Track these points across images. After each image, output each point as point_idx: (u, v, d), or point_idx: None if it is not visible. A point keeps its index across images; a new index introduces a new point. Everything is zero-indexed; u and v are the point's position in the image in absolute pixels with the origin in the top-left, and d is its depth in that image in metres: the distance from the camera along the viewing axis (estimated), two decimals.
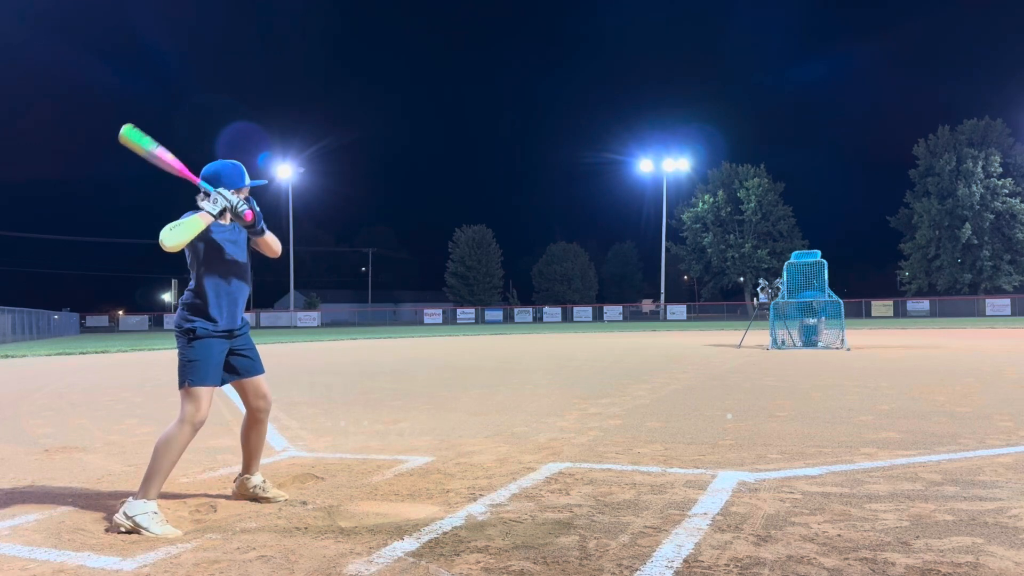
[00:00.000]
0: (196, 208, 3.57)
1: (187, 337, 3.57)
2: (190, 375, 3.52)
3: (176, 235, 3.38)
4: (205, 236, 3.58)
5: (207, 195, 3.53)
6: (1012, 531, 3.06)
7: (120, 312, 76.15)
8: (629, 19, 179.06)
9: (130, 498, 3.41)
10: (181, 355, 3.59)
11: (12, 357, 19.71)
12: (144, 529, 3.25)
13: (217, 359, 3.61)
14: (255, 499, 3.81)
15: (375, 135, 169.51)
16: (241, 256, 3.74)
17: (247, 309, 3.86)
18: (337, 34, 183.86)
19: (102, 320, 71.09)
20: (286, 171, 66.08)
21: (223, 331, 3.63)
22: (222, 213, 3.51)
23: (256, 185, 3.82)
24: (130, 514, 3.30)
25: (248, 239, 3.80)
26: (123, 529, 3.28)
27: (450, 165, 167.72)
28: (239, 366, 3.75)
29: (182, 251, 3.55)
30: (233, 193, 3.59)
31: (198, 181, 3.60)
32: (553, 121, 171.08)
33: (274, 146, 77.80)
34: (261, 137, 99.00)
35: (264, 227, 3.70)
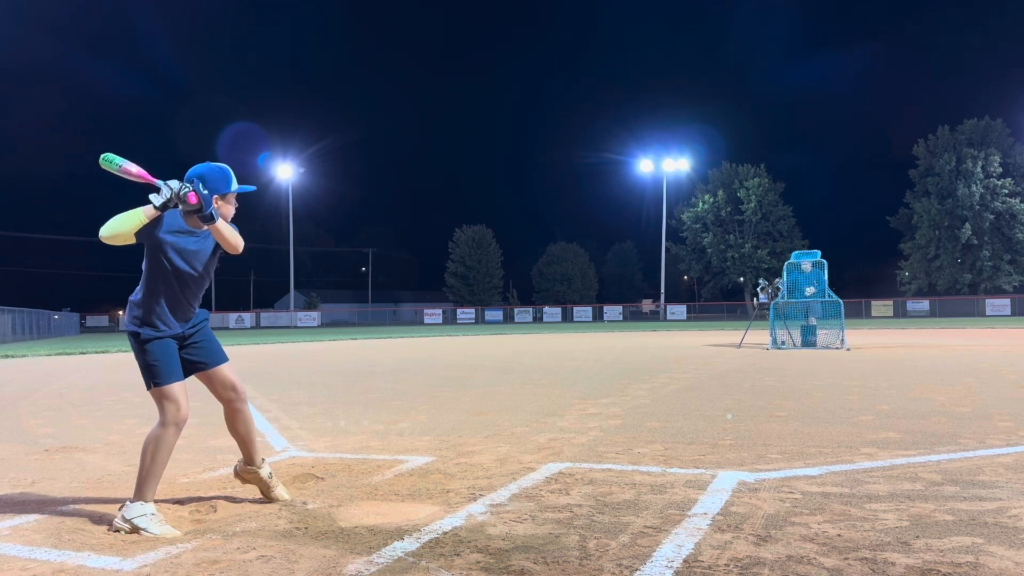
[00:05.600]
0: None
1: (136, 340, 3.52)
2: (154, 377, 3.46)
3: (108, 226, 3.30)
4: (152, 237, 3.43)
5: (158, 190, 3.39)
6: (1012, 531, 3.06)
7: (120, 312, 76.10)
8: (630, 19, 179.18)
9: (127, 501, 3.42)
10: (138, 358, 3.52)
11: (12, 357, 19.70)
12: (143, 530, 3.25)
13: (173, 354, 3.54)
14: (262, 491, 3.82)
15: (375, 135, 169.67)
16: (198, 263, 3.55)
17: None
18: (338, 34, 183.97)
19: (102, 320, 71.17)
20: (286, 171, 66.10)
21: (171, 335, 3.55)
22: (166, 204, 3.34)
23: (244, 191, 3.67)
24: (128, 517, 3.31)
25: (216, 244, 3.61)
26: (123, 532, 3.29)
27: (450, 165, 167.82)
28: (198, 359, 3.65)
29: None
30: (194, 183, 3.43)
31: (156, 181, 3.42)
32: (553, 121, 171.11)
33: (274, 146, 77.81)
34: (261, 137, 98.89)
35: (214, 212, 3.40)
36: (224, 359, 3.74)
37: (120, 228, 3.32)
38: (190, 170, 3.54)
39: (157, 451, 3.42)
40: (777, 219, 68.32)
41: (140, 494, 3.39)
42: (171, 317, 3.54)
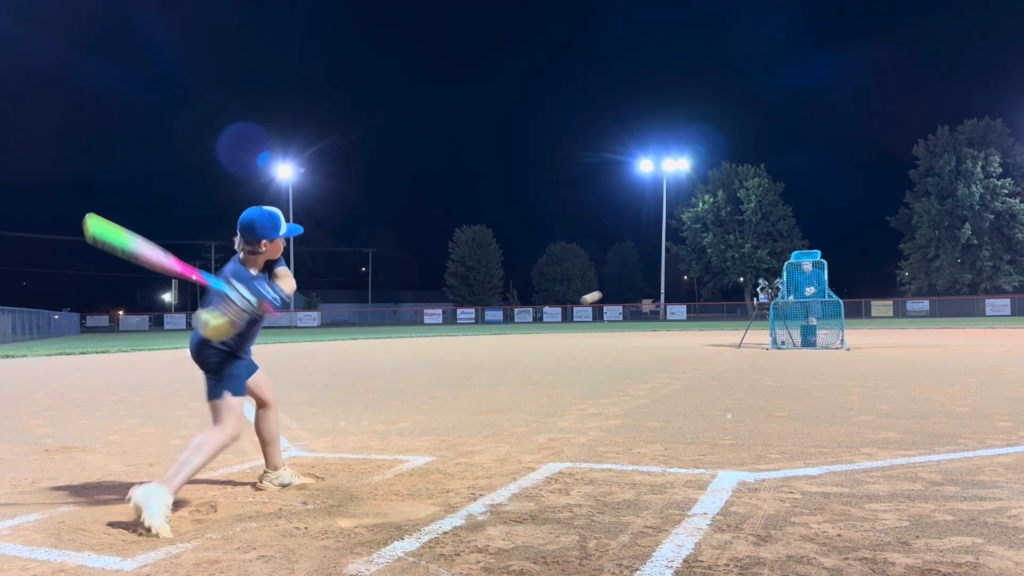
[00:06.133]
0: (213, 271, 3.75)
1: (226, 355, 3.70)
2: (236, 388, 3.71)
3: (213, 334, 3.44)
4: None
5: (221, 297, 3.43)
6: (1012, 531, 3.06)
7: (120, 312, 76.28)
8: (630, 19, 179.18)
9: (155, 482, 3.37)
10: (223, 369, 3.67)
11: (12, 357, 19.70)
12: (148, 515, 3.18)
13: (247, 375, 3.86)
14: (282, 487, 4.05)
15: (375, 135, 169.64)
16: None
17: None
18: (338, 34, 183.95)
19: (102, 320, 71.14)
20: (286, 171, 66.11)
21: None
22: (237, 317, 3.45)
23: (293, 234, 3.89)
24: (147, 494, 3.25)
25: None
26: (130, 501, 3.24)
27: (450, 165, 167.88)
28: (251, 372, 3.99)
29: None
30: (246, 289, 3.51)
31: (203, 280, 3.46)
32: (553, 121, 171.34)
33: (274, 146, 77.73)
34: (261, 137, 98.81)
35: (286, 300, 3.66)
36: (257, 365, 4.06)
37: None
38: (242, 215, 3.70)
39: (209, 451, 3.54)
40: (777, 219, 68.33)
41: (171, 483, 3.38)
42: (248, 348, 3.86)
